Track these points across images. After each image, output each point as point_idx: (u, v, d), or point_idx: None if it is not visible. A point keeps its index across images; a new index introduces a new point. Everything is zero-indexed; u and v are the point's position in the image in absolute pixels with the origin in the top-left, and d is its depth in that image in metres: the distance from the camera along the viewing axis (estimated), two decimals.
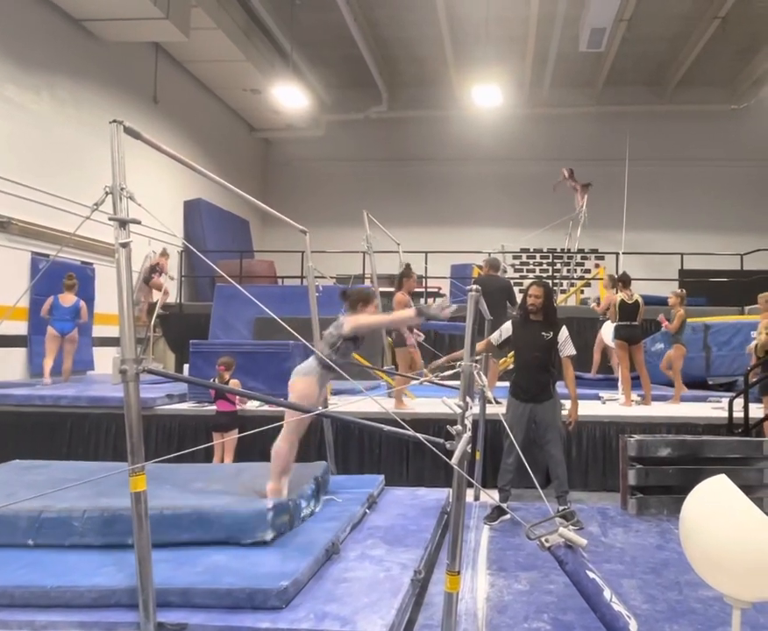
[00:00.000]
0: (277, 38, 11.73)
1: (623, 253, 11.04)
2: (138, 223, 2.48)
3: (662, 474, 4.67)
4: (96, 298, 9.25)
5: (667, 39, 12.18)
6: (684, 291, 7.32)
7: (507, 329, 4.59)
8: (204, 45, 10.61)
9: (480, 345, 4.44)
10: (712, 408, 6.51)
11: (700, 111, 14.05)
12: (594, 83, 13.78)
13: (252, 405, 5.92)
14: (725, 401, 5.86)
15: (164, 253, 10.34)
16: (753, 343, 6.18)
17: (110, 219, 2.41)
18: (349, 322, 3.56)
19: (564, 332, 4.49)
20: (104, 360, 9.37)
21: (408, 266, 6.92)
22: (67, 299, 7.65)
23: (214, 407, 5.76)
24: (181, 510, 3.20)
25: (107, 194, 2.46)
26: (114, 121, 2.47)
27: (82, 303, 7.82)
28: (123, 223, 2.45)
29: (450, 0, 10.49)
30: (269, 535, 3.16)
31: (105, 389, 6.77)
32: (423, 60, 13.23)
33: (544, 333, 4.42)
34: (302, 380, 3.58)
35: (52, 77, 8.74)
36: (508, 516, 4.29)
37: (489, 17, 10.61)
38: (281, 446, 3.59)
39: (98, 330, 9.37)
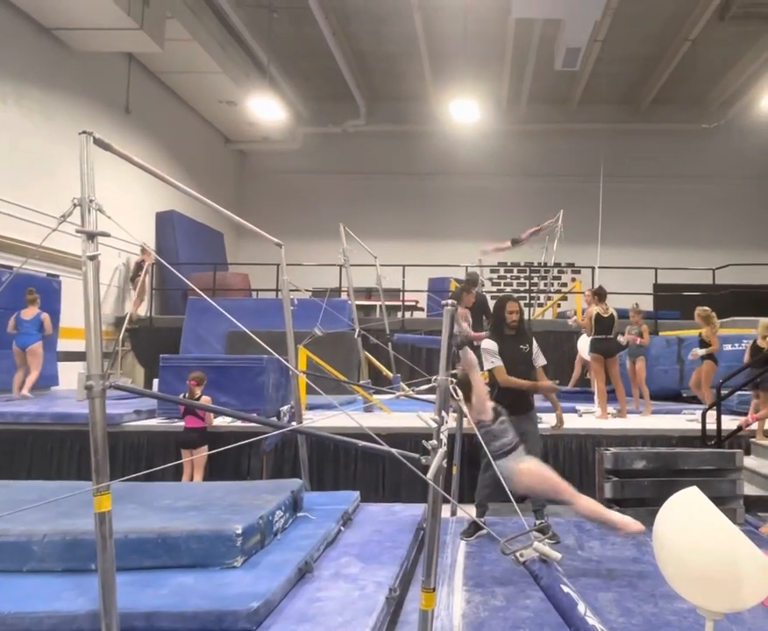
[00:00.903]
0: (254, 50, 11.71)
1: (599, 267, 11.19)
2: (107, 235, 2.41)
3: (638, 486, 4.68)
4: (61, 311, 8.98)
5: (640, 60, 12.51)
6: (638, 304, 7.58)
7: (494, 346, 4.52)
8: (179, 55, 10.51)
9: (500, 375, 4.31)
10: (686, 421, 6.59)
11: (672, 130, 14.44)
12: (570, 101, 14.06)
13: (224, 421, 5.79)
14: (698, 414, 5.93)
15: (145, 250, 10.00)
16: (698, 350, 6.73)
17: (77, 231, 2.33)
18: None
19: (535, 344, 4.53)
20: (69, 375, 9.10)
21: (468, 281, 6.87)
22: (29, 312, 7.61)
23: (183, 423, 5.61)
24: (145, 534, 3.06)
25: (75, 206, 2.38)
26: (83, 132, 2.40)
27: (44, 315, 7.72)
28: (91, 236, 2.37)
29: (428, 16, 10.62)
30: (239, 561, 3.06)
31: (70, 405, 6.55)
32: (401, 75, 13.34)
33: (522, 347, 4.43)
34: None
35: (19, 85, 8.54)
36: (484, 531, 4.23)
37: (467, 34, 10.76)
38: (533, 469, 3.50)
39: (64, 344, 9.09)
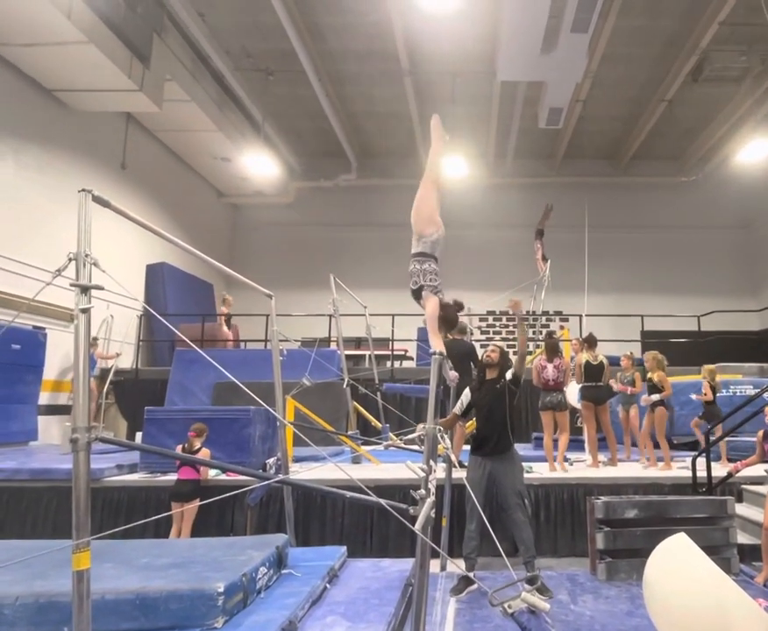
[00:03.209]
0: (249, 109, 12.06)
1: (587, 315, 11.31)
2: (101, 289, 2.43)
3: (630, 536, 4.60)
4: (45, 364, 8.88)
5: (620, 119, 13.05)
6: (632, 353, 7.51)
7: (466, 395, 4.65)
8: (176, 115, 10.82)
9: (446, 421, 4.44)
10: (677, 468, 6.53)
11: (652, 183, 14.93)
12: (554, 156, 14.53)
13: (210, 473, 5.66)
14: (689, 461, 5.89)
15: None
16: (650, 397, 6.62)
17: (71, 285, 2.34)
18: None
19: (509, 372, 4.57)
20: (50, 429, 8.92)
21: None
22: None
23: (167, 478, 5.49)
24: (123, 594, 2.94)
25: (70, 260, 2.40)
26: (83, 190, 2.45)
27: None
28: (84, 289, 2.38)
29: (417, 78, 11.08)
30: (220, 622, 2.95)
31: (49, 460, 6.40)
32: (391, 133, 13.77)
33: (497, 385, 4.50)
34: None
35: (18, 143, 8.71)
36: (475, 587, 4.12)
37: (455, 95, 11.20)
38: None
39: (45, 397, 8.96)
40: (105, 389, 9.42)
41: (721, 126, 12.63)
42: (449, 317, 3.83)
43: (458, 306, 4.06)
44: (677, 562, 2.00)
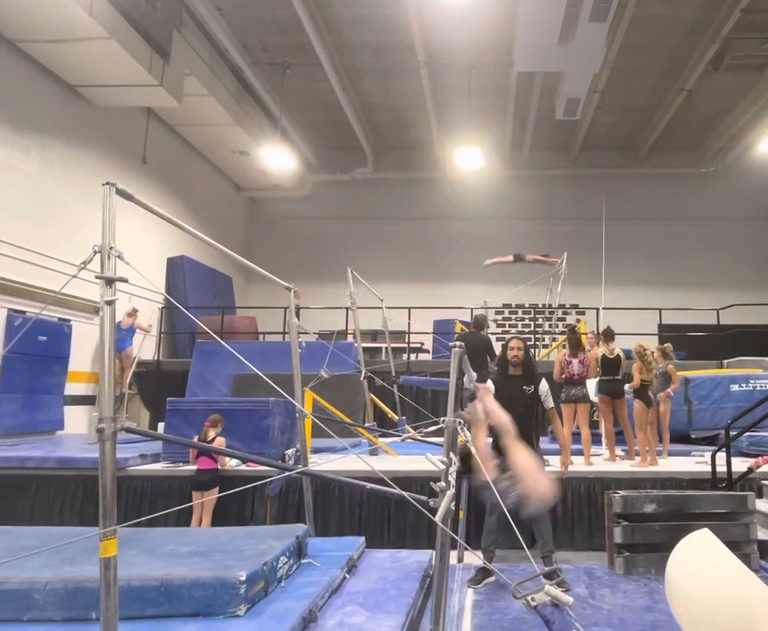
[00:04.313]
0: (267, 103, 12.12)
1: (603, 308, 11.22)
2: (126, 281, 2.46)
3: (648, 531, 4.58)
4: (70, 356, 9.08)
5: (638, 109, 12.85)
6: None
7: (491, 386, 4.56)
8: (196, 109, 10.92)
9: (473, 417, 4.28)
10: (695, 463, 6.48)
11: (671, 174, 14.69)
12: (571, 147, 14.38)
13: (230, 464, 5.76)
14: (708, 455, 5.85)
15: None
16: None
17: (96, 277, 2.39)
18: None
19: (544, 384, 4.50)
20: (75, 420, 9.12)
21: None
22: (127, 322, 9.64)
23: (189, 468, 5.59)
24: (148, 581, 2.99)
25: (95, 252, 2.44)
26: (107, 183, 2.48)
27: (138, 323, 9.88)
28: (109, 282, 2.43)
29: (434, 71, 11.02)
30: (242, 610, 2.98)
31: (75, 449, 6.54)
32: (407, 125, 13.73)
33: (525, 387, 4.40)
34: None
35: (42, 138, 8.87)
36: (492, 578, 4.14)
37: (471, 87, 11.14)
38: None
39: (70, 388, 9.15)
40: (128, 380, 9.59)
41: (742, 116, 12.39)
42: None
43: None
44: (700, 557, 2.00)
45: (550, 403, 4.46)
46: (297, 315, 11.81)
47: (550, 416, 4.52)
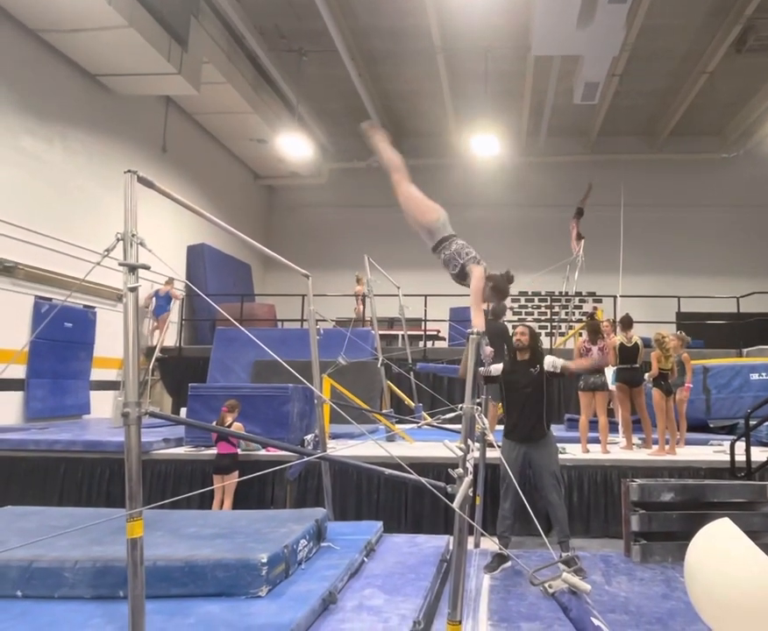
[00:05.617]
0: (284, 90, 12.13)
1: (621, 296, 11.12)
2: (148, 268, 2.49)
3: (665, 519, 4.58)
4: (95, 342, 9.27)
5: (658, 93, 12.60)
6: (682, 332, 7.38)
7: (497, 368, 4.62)
8: (214, 97, 10.98)
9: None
10: (714, 452, 6.44)
11: (691, 160, 14.41)
12: (589, 133, 14.17)
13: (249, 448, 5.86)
14: (726, 445, 5.81)
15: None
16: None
17: (119, 264, 2.43)
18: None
19: (548, 357, 4.53)
20: (101, 404, 9.34)
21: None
22: (164, 290, 10.57)
23: (211, 452, 5.71)
24: (173, 562, 3.07)
25: (118, 240, 2.49)
26: (128, 171, 2.52)
27: (173, 291, 10.71)
28: (132, 269, 2.47)
29: (450, 56, 10.92)
30: (264, 591, 3.05)
31: (101, 433, 6.70)
32: (423, 112, 13.64)
33: (532, 369, 4.46)
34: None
35: (65, 128, 9.01)
36: (508, 564, 4.19)
37: (488, 72, 11.01)
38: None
39: (96, 374, 9.36)
40: (151, 365, 9.78)
41: (765, 99, 12.09)
42: (499, 286, 3.61)
43: (509, 278, 3.76)
44: (721, 546, 2.00)
45: (560, 363, 4.45)
46: (363, 303, 12.03)
47: (564, 369, 4.45)
